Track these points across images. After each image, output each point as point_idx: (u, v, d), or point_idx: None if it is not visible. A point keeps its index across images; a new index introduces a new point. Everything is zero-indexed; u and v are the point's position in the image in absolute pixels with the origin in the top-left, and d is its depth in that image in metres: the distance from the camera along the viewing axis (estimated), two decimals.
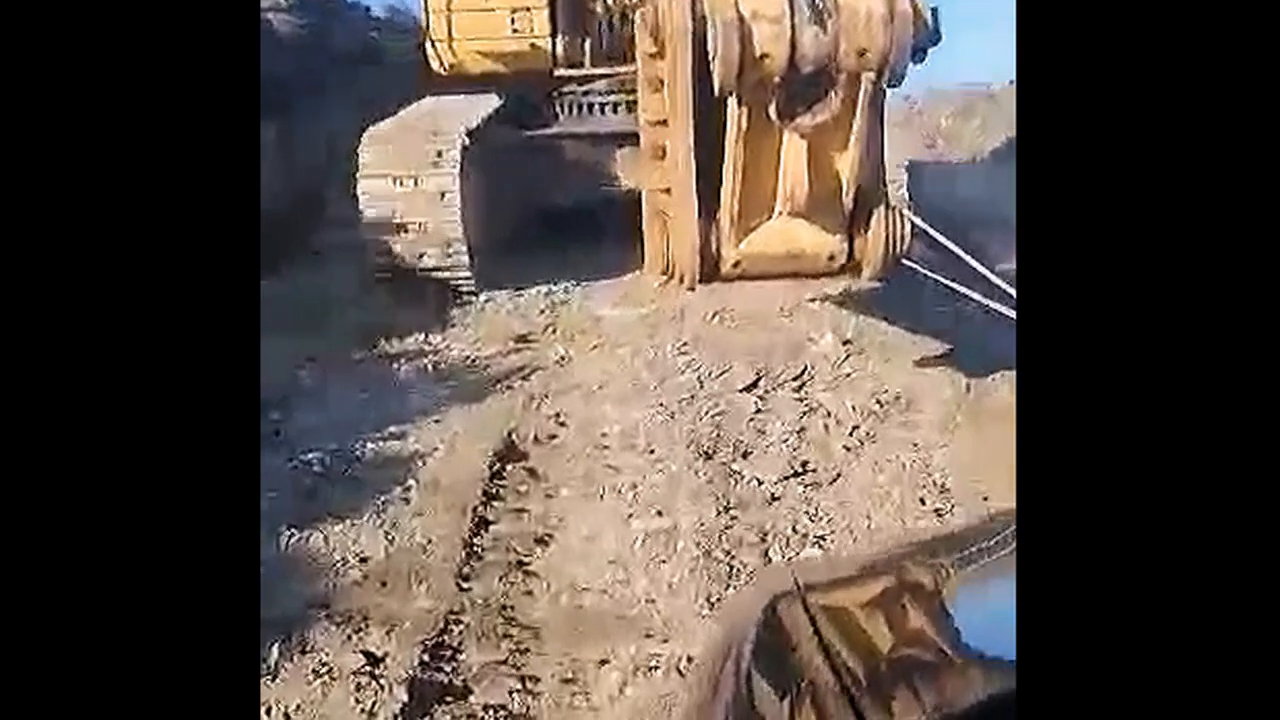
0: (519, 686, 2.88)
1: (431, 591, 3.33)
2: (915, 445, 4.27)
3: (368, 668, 2.93)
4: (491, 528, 3.80)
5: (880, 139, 3.74)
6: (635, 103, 4.65)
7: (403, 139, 6.42)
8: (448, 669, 2.96)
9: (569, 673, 2.94)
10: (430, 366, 5.52)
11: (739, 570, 3.38)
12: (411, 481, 4.09)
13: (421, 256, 6.35)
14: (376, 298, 6.48)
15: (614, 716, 2.78)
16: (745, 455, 4.26)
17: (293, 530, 3.67)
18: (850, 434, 4.43)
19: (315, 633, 3.08)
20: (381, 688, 2.84)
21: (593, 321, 6.24)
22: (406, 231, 6.26)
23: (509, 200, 7.29)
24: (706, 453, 4.27)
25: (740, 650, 1.37)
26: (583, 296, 6.73)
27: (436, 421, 4.69)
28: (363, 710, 2.76)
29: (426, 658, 2.98)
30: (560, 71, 7.62)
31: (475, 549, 3.63)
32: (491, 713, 2.78)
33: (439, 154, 6.25)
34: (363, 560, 3.53)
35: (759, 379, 5.01)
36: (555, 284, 6.88)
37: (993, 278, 3.82)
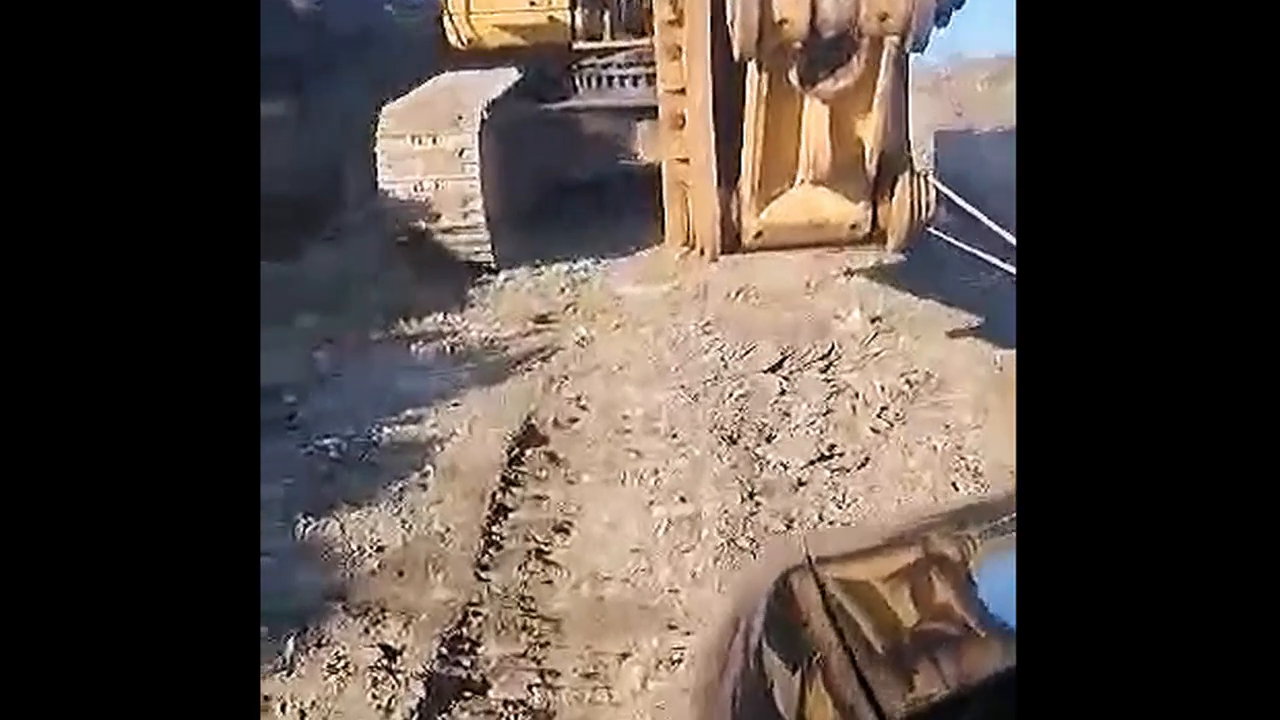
0: (539, 681, 2.81)
1: (449, 581, 3.26)
2: (947, 427, 4.13)
3: (384, 661, 2.87)
4: (510, 515, 3.72)
5: (905, 105, 3.61)
6: (655, 75, 4.51)
7: (423, 108, 6.35)
8: (466, 663, 2.89)
9: (590, 666, 2.87)
10: (449, 348, 5.44)
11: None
12: (429, 467, 4.01)
13: (439, 217, 6.25)
14: (396, 273, 6.37)
15: (635, 711, 2.70)
16: (770, 439, 4.14)
17: (309, 518, 3.61)
18: (879, 415, 4.29)
19: (331, 625, 3.02)
20: (399, 683, 2.77)
21: (614, 300, 6.13)
22: (423, 190, 6.18)
23: (528, 174, 7.19)
24: (730, 437, 4.15)
25: (750, 624, 1.36)
26: (603, 274, 6.61)
27: (455, 405, 4.60)
28: (379, 706, 2.69)
29: (445, 651, 2.91)
30: (579, 44, 7.49)
31: (494, 537, 3.55)
32: (511, 708, 2.71)
33: (459, 117, 6.18)
34: (379, 549, 3.46)
35: (784, 359, 4.88)
36: (575, 261, 6.77)
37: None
